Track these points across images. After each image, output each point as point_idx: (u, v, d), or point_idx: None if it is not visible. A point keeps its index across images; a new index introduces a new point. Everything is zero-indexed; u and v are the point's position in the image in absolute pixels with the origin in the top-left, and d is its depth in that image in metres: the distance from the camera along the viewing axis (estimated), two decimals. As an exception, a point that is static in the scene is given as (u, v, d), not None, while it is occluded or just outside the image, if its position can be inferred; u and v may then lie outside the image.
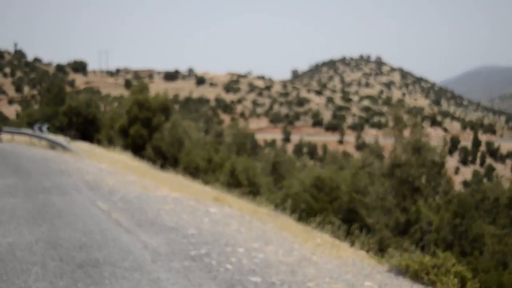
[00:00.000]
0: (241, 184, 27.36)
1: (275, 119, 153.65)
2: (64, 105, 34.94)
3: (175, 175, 19.17)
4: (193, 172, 28.70)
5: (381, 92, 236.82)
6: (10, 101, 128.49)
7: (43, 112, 38.62)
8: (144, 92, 31.96)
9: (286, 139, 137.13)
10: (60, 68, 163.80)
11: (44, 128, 27.80)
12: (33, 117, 39.46)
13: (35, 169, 15.24)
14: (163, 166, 25.91)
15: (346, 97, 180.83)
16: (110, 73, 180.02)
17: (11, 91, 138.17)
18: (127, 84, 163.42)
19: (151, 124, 30.60)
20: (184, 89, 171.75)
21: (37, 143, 27.00)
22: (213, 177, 28.57)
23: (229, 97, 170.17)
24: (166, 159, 30.76)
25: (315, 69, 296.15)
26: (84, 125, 33.51)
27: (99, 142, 33.67)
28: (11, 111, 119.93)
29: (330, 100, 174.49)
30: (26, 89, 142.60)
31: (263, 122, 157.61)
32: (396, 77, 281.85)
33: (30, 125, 38.46)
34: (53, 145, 24.10)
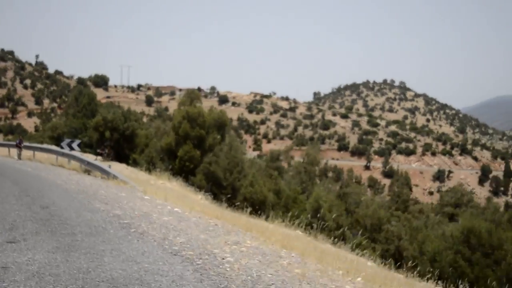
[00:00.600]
0: (325, 225, 20.94)
1: (299, 142, 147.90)
2: (95, 118, 29.05)
3: (277, 224, 12.93)
4: (259, 207, 22.36)
5: (405, 117, 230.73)
6: (30, 114, 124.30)
7: (69, 125, 32.81)
8: (195, 104, 25.87)
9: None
10: (81, 81, 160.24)
11: (75, 144, 21.81)
12: (57, 130, 33.69)
13: (76, 216, 9.01)
14: (221, 200, 19.87)
15: (372, 122, 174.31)
16: (132, 89, 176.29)
17: (31, 104, 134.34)
18: (148, 100, 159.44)
19: (203, 144, 24.43)
20: (206, 107, 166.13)
21: (65, 164, 21.01)
22: (280, 214, 22.22)
23: (252, 117, 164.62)
24: (221, 187, 24.54)
25: (338, 92, 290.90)
26: (117, 142, 27.51)
27: (136, 164, 27.59)
28: (30, 123, 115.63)
29: (356, 124, 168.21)
30: (46, 102, 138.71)
31: (287, 144, 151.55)
32: (420, 103, 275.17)
33: (55, 139, 32.68)
34: (89, 167, 18.05)
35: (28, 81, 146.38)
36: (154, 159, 25.82)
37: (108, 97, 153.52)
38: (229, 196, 20.49)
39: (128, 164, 27.61)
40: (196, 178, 24.75)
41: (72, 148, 21.68)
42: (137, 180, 17.69)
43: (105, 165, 17.09)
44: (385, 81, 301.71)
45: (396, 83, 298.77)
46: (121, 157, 29.05)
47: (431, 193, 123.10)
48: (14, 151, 25.51)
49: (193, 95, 27.58)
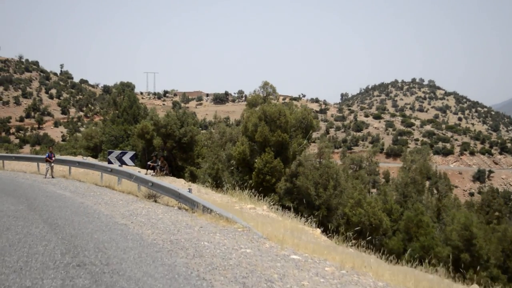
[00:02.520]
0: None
1: (331, 144, 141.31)
2: (141, 123, 23.49)
3: None
4: (367, 234, 16.34)
5: (436, 116, 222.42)
6: (56, 123, 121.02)
7: (108, 133, 27.30)
8: (270, 101, 20.03)
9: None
10: (106, 89, 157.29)
11: (128, 157, 16.22)
12: (94, 139, 28.30)
13: None
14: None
15: (407, 122, 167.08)
16: (158, 95, 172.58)
17: (57, 113, 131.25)
18: (175, 106, 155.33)
19: (286, 151, 18.58)
20: (235, 112, 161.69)
21: (113, 183, 15.43)
22: (399, 242, 16.13)
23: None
24: (311, 207, 18.58)
25: (366, 93, 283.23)
26: (170, 151, 21.88)
27: (194, 178, 21.90)
28: (57, 133, 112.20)
29: (390, 124, 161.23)
30: (73, 111, 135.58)
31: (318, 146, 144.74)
32: (451, 101, 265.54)
33: (91, 150, 27.29)
34: (155, 190, 12.39)
35: (53, 91, 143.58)
36: (219, 173, 20.08)
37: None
38: (357, 228, 14.57)
39: (182, 178, 21.98)
40: (275, 195, 18.84)
41: (123, 163, 16.15)
42: (217, 205, 11.98)
43: (183, 190, 11.35)
44: (413, 80, 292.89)
45: (425, 82, 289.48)
46: (172, 169, 23.46)
47: (471, 195, 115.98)
48: (44, 166, 20.13)
49: (267, 91, 21.62)
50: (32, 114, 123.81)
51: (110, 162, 16.20)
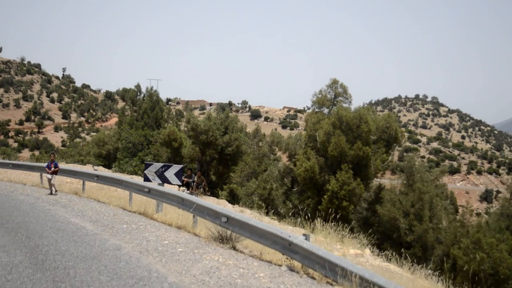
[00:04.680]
0: None
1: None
2: (168, 128, 19.05)
3: None
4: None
5: (440, 134, 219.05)
6: (56, 128, 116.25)
7: (124, 138, 22.67)
8: (340, 103, 15.58)
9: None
10: (108, 95, 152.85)
11: (171, 173, 11.63)
12: (107, 146, 23.73)
13: None
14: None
15: (413, 138, 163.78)
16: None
17: (58, 118, 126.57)
18: (178, 115, 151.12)
19: (367, 170, 14.12)
20: (238, 122, 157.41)
21: (150, 210, 10.90)
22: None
23: (286, 133, 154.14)
24: (397, 244, 14.00)
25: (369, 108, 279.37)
26: (208, 163, 17.42)
27: (233, 199, 17.38)
28: (57, 138, 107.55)
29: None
30: (74, 116, 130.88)
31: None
32: (455, 119, 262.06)
33: (103, 158, 22.74)
34: (230, 230, 7.86)
35: (55, 95, 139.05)
36: (273, 194, 15.57)
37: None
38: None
39: (216, 197, 17.50)
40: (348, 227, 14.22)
41: (165, 181, 11.64)
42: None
43: (298, 236, 6.74)
44: (417, 96, 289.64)
45: (429, 98, 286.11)
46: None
47: (478, 215, 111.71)
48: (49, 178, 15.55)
49: (336, 91, 17.12)
50: (32, 117, 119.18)
51: (147, 179, 11.64)
